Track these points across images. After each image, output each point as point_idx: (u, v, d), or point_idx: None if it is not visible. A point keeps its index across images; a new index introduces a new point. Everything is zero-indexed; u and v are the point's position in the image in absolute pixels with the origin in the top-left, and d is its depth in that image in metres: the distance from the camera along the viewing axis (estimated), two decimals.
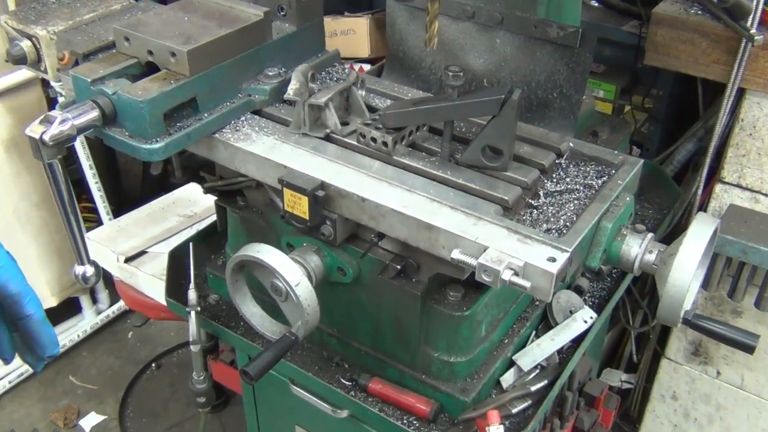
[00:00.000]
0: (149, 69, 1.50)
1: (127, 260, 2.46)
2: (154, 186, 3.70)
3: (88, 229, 2.65)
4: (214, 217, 1.94)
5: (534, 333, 1.76)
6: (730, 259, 2.04)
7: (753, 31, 1.92)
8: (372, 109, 1.67)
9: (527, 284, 1.22)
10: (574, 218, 1.39)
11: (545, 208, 1.43)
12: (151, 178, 3.83)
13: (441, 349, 1.58)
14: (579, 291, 1.86)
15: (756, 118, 2.06)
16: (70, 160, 3.46)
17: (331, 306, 1.64)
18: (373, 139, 1.51)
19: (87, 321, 3.63)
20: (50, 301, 3.36)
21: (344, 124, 1.59)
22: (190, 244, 1.94)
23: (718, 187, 2.20)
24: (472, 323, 1.55)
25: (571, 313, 1.78)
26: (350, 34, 3.12)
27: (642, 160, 1.57)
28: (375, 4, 3.37)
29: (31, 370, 3.40)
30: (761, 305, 2.12)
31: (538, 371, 1.69)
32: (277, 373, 1.79)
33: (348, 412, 1.72)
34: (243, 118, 1.59)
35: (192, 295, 1.85)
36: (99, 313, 3.68)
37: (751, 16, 1.92)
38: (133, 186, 4.10)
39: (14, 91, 3.00)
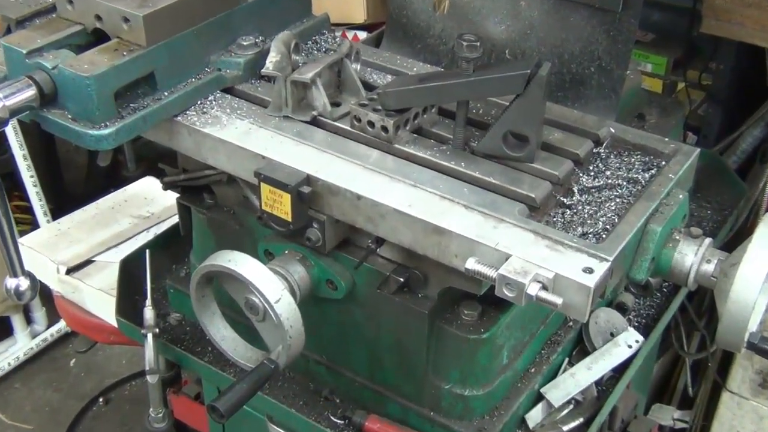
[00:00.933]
0: (97, 38, 1.51)
1: (69, 271, 2.46)
2: (102, 181, 3.70)
3: (22, 234, 2.65)
4: (175, 219, 1.94)
5: (567, 360, 1.77)
6: None
7: None
8: (369, 87, 1.67)
9: (558, 300, 1.22)
10: (616, 220, 1.39)
11: (580, 207, 1.43)
12: (99, 171, 3.83)
13: (453, 380, 1.58)
14: (622, 309, 1.86)
15: None
16: (1, 149, 3.46)
17: (318, 327, 1.64)
18: (371, 123, 1.51)
19: (20, 346, 3.63)
20: None
21: (335, 104, 1.59)
22: (147, 251, 1.94)
23: None
24: (491, 348, 1.55)
25: (613, 336, 1.79)
26: None
27: (698, 150, 1.57)
28: None
29: None
30: None
31: (571, 407, 1.69)
32: (252, 410, 1.79)
33: None
34: (211, 98, 1.60)
35: (149, 314, 1.85)
36: (34, 335, 3.68)
37: None
38: (76, 181, 4.10)
39: None
